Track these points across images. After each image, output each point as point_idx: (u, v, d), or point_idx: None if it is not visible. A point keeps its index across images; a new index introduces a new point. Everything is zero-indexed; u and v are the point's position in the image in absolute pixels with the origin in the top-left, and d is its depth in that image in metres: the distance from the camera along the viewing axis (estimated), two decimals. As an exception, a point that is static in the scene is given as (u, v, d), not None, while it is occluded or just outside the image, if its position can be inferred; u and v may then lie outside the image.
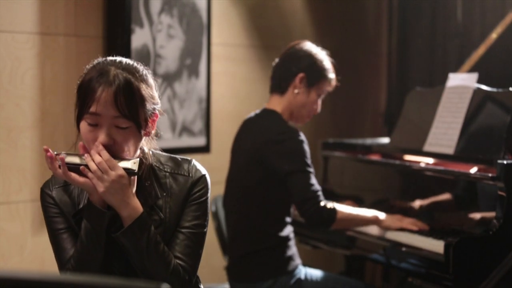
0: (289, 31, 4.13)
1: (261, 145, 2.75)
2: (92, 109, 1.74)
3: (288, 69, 2.82)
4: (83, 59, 3.14)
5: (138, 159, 1.79)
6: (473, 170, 2.77)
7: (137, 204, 1.78)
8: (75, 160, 1.78)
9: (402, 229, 2.80)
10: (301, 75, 2.80)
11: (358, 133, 4.48)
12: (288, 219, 2.83)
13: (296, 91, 2.81)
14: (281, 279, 2.75)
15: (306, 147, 2.75)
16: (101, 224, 1.77)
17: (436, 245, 2.60)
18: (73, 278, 1.13)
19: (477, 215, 2.67)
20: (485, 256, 2.52)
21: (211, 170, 2.14)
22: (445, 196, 2.83)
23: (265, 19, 4.04)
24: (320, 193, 2.70)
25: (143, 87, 1.79)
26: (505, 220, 2.52)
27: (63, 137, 3.07)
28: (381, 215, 2.83)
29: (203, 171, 1.90)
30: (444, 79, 3.19)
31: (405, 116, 3.30)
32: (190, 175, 1.87)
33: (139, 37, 3.27)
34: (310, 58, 2.82)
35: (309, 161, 2.73)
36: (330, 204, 2.69)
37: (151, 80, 1.84)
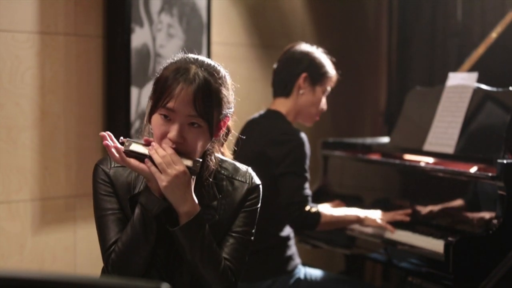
0: (289, 31, 4.13)
1: (265, 145, 2.75)
2: (170, 105, 1.75)
3: (289, 72, 2.84)
4: (83, 59, 3.14)
5: (201, 160, 1.79)
6: (473, 169, 2.77)
7: (195, 202, 1.78)
8: (139, 149, 1.78)
9: (381, 226, 2.84)
10: (303, 75, 2.82)
11: (358, 132, 4.48)
12: (289, 219, 2.83)
13: (301, 91, 2.83)
14: (280, 278, 2.75)
15: (307, 150, 2.75)
16: (156, 211, 1.76)
17: (436, 245, 2.60)
18: (73, 278, 1.13)
19: (477, 215, 2.67)
20: (485, 256, 2.52)
21: (211, 169, 2.14)
22: (445, 196, 2.83)
23: (265, 18, 4.04)
24: (309, 198, 2.71)
25: (222, 89, 1.81)
26: (505, 219, 2.52)
27: (63, 136, 3.07)
28: (362, 214, 2.86)
29: (259, 181, 1.92)
30: (444, 78, 3.19)
31: (405, 115, 3.30)
32: (247, 182, 1.90)
33: (139, 37, 3.27)
34: (309, 58, 2.85)
35: (306, 166, 2.73)
36: (314, 209, 2.71)
37: (229, 83, 1.86)
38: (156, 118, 1.78)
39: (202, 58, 1.84)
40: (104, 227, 1.83)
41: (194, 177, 1.80)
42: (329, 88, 2.90)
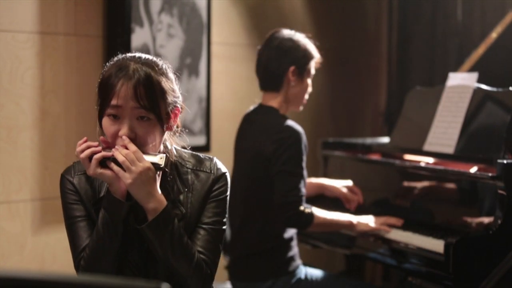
0: (289, 31, 4.13)
1: (264, 144, 2.75)
2: (114, 102, 1.76)
3: (278, 66, 2.81)
4: (83, 59, 3.14)
5: (165, 155, 1.81)
6: (473, 169, 2.77)
7: (162, 197, 1.79)
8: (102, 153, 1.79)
9: (375, 230, 2.85)
10: (292, 68, 2.80)
11: (358, 132, 4.48)
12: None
13: (292, 83, 2.82)
14: (281, 279, 2.75)
15: (304, 147, 2.74)
16: (119, 214, 1.78)
17: (436, 245, 2.60)
18: (73, 278, 1.13)
19: (477, 215, 2.67)
20: (485, 256, 2.52)
21: (211, 169, 2.14)
22: (445, 196, 2.83)
23: (265, 18, 4.04)
24: (303, 197, 2.70)
25: (163, 80, 1.82)
26: (505, 219, 2.52)
27: (63, 136, 3.07)
28: (354, 220, 2.85)
29: (224, 169, 1.92)
30: (444, 78, 3.19)
31: (405, 115, 3.30)
32: (212, 172, 1.89)
33: (139, 37, 3.27)
34: (295, 48, 2.81)
35: (303, 163, 2.72)
36: (308, 209, 2.70)
37: (171, 74, 1.86)
38: (105, 120, 1.80)
39: (140, 54, 1.86)
40: (73, 234, 1.85)
41: (159, 173, 1.81)
42: (313, 71, 2.88)
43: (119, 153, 1.75)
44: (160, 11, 3.38)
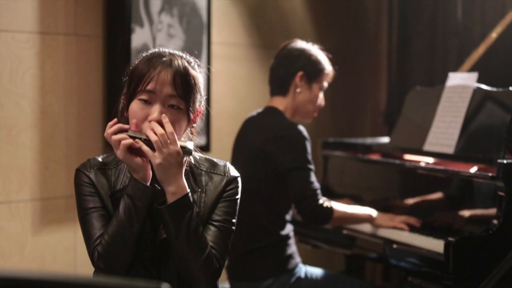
0: (289, 31, 4.13)
1: (264, 141, 2.76)
2: (150, 86, 1.80)
3: (286, 70, 2.85)
4: (83, 59, 3.14)
5: (193, 142, 1.84)
6: (473, 169, 2.77)
7: (184, 184, 1.81)
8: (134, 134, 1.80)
9: (394, 228, 2.86)
10: (299, 73, 2.83)
11: (358, 132, 4.48)
12: (289, 217, 2.84)
13: (298, 90, 2.84)
14: (281, 277, 2.75)
15: (308, 143, 2.77)
16: (144, 199, 1.79)
17: (436, 244, 2.60)
18: (73, 278, 1.13)
19: (477, 215, 2.67)
20: (485, 256, 2.52)
21: (211, 169, 2.14)
22: (445, 196, 2.83)
23: (265, 18, 4.04)
24: (319, 191, 2.73)
25: (199, 76, 1.88)
26: (505, 219, 2.52)
27: (63, 136, 3.08)
28: (374, 213, 2.88)
29: (237, 173, 1.95)
30: (444, 78, 3.19)
31: (405, 115, 3.30)
32: (226, 175, 1.93)
33: (139, 37, 3.27)
34: (305, 55, 2.86)
35: (310, 157, 2.75)
36: (327, 203, 2.73)
37: (201, 75, 1.91)
38: (135, 104, 1.82)
39: (176, 51, 1.91)
40: (88, 224, 1.85)
41: (186, 159, 1.84)
42: (326, 84, 2.91)
43: (152, 133, 1.77)
44: (160, 11, 3.38)
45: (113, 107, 1.96)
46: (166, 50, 1.88)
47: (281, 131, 2.77)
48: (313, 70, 2.85)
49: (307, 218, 2.75)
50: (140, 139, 1.78)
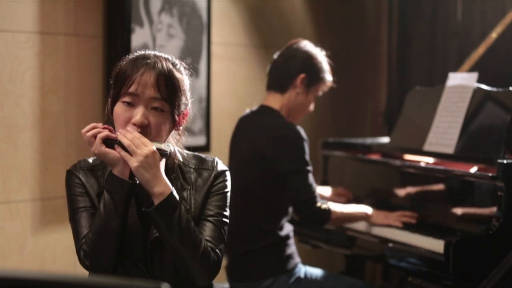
0: (289, 31, 4.13)
1: (262, 142, 2.76)
2: (133, 88, 1.79)
3: (288, 69, 2.84)
4: (83, 59, 3.14)
5: (169, 143, 1.84)
6: (473, 169, 2.77)
7: (167, 183, 1.80)
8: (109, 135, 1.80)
9: (389, 225, 2.88)
10: (302, 76, 2.83)
11: (358, 132, 4.48)
12: (288, 218, 2.84)
13: (297, 90, 2.83)
14: (280, 277, 2.75)
15: (306, 144, 2.77)
16: (121, 193, 1.79)
17: (436, 245, 2.60)
18: (73, 278, 1.13)
19: (477, 215, 2.67)
20: (485, 256, 2.52)
21: (211, 169, 2.14)
22: (445, 196, 2.83)
23: (265, 18, 4.04)
24: (316, 193, 2.75)
25: (182, 79, 1.87)
26: (505, 219, 2.52)
27: (63, 136, 3.07)
28: (369, 211, 2.91)
29: (225, 167, 1.96)
30: (444, 78, 3.19)
31: (405, 115, 3.30)
32: (214, 169, 1.93)
33: (139, 37, 3.27)
34: (311, 60, 2.85)
35: (308, 157, 2.75)
36: (325, 205, 2.74)
37: (187, 77, 1.91)
38: (119, 106, 1.82)
39: (160, 53, 1.90)
40: (77, 224, 1.86)
41: (163, 162, 1.83)
42: (320, 93, 2.91)
43: (123, 137, 1.77)
44: (160, 11, 3.38)
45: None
46: (152, 52, 1.87)
47: (279, 131, 2.76)
48: (314, 76, 2.85)
49: (306, 220, 2.78)
50: (115, 141, 1.78)
